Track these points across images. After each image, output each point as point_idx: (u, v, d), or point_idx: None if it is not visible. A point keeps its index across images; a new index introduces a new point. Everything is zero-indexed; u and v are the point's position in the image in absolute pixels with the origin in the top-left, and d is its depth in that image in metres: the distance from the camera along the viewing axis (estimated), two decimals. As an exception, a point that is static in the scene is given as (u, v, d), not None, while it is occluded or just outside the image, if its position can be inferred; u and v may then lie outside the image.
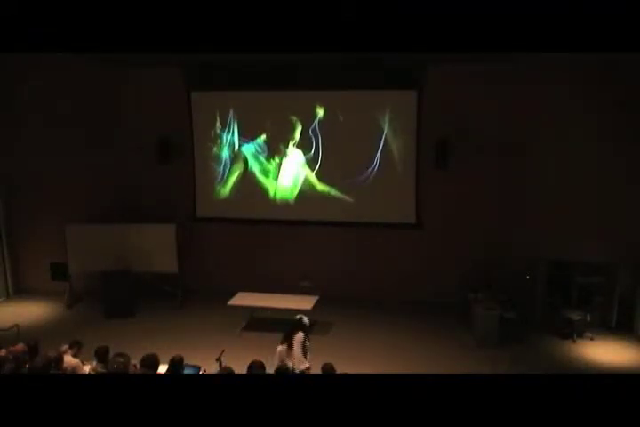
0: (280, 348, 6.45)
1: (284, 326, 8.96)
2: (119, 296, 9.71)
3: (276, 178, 10.46)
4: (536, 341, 8.73)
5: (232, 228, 10.76)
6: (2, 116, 10.43)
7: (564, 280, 9.15)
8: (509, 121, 9.41)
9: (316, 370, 5.88)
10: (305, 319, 6.82)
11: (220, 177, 10.66)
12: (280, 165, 10.41)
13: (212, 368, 6.07)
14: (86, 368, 5.89)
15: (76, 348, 6.17)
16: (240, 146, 10.49)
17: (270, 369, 5.42)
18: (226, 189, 10.70)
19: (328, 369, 5.49)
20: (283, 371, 5.37)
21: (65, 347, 6.10)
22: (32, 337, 6.54)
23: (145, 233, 9.97)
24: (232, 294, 9.35)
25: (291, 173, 10.41)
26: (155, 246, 9.97)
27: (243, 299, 9.28)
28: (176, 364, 5.44)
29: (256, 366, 5.30)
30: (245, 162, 10.53)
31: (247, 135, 10.44)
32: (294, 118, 10.21)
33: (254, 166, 10.51)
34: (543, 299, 9.32)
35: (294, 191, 10.46)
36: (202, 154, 10.68)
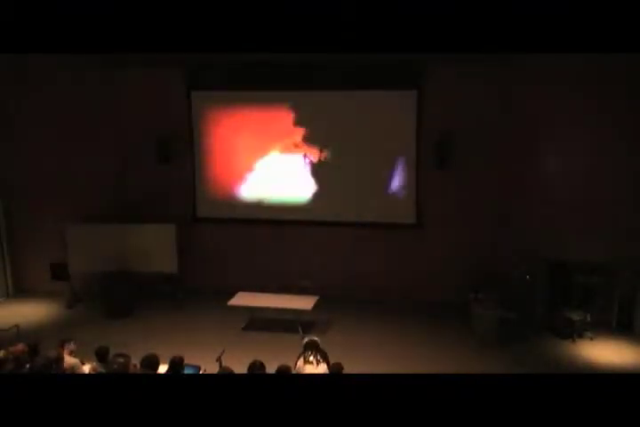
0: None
1: (283, 326, 9.04)
2: (119, 296, 9.72)
3: (276, 177, 10.47)
4: (536, 341, 8.73)
5: (232, 228, 10.76)
6: (1, 116, 10.43)
7: (564, 280, 9.14)
8: (509, 121, 9.41)
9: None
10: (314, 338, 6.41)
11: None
12: (280, 164, 10.42)
13: (211, 368, 6.07)
14: (86, 368, 5.88)
15: (71, 346, 6.13)
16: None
17: (270, 369, 5.42)
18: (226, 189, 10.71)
19: (337, 369, 5.50)
20: (283, 371, 5.36)
21: (59, 349, 6.04)
22: (32, 337, 6.54)
23: (145, 233, 9.97)
24: (232, 294, 9.35)
25: (291, 173, 10.41)
26: (155, 246, 9.96)
27: (243, 299, 9.28)
28: (176, 364, 5.45)
29: (256, 366, 5.30)
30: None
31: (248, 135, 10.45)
32: (294, 118, 10.23)
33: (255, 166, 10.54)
34: (543, 299, 9.31)
35: (294, 191, 10.46)
36: (202, 154, 10.68)
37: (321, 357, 6.12)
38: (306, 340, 6.34)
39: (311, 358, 6.05)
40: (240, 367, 5.45)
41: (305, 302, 8.98)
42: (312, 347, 6.18)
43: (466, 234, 9.90)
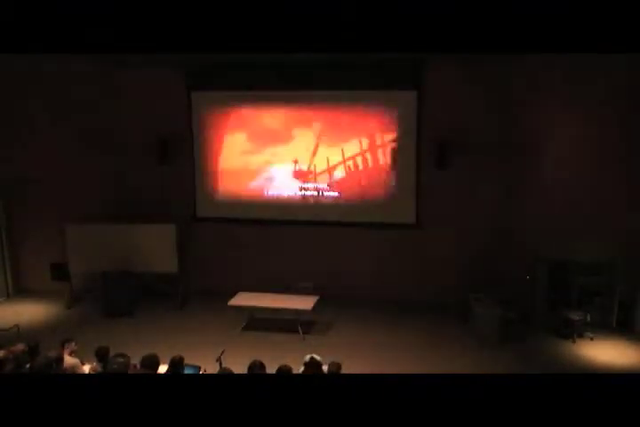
0: None
1: (283, 326, 9.04)
2: (119, 296, 9.72)
3: (275, 177, 10.47)
4: (536, 341, 8.74)
5: (232, 228, 10.76)
6: (1, 116, 10.43)
7: (563, 280, 9.15)
8: (509, 121, 9.42)
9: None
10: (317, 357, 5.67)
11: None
12: (279, 164, 10.42)
13: (212, 368, 6.08)
14: (86, 368, 5.89)
15: (71, 346, 6.14)
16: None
17: (270, 369, 5.41)
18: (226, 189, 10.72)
19: (335, 368, 5.48)
20: (283, 371, 5.36)
21: (59, 349, 6.04)
22: (32, 337, 6.54)
23: (145, 233, 9.97)
24: (232, 294, 9.36)
25: (290, 173, 10.42)
26: (155, 246, 9.96)
27: (243, 299, 9.28)
28: (176, 364, 5.45)
29: (256, 366, 5.30)
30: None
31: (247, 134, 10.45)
32: (294, 118, 10.23)
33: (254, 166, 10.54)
34: (543, 299, 9.31)
35: (294, 191, 10.46)
36: (202, 154, 10.68)
37: None
38: (307, 358, 5.62)
39: None
40: (240, 367, 5.45)
41: (305, 302, 8.98)
42: (312, 370, 5.51)
43: (466, 234, 9.90)
